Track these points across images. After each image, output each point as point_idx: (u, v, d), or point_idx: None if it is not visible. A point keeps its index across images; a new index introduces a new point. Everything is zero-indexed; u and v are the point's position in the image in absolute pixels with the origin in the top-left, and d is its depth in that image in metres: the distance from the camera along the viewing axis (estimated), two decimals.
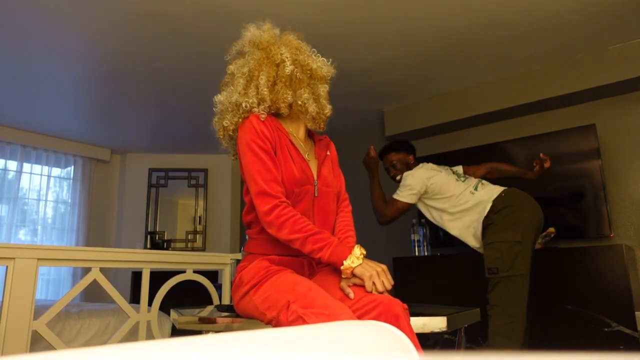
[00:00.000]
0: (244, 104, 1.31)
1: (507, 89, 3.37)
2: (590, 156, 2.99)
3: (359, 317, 1.08)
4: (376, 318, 1.04)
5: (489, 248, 2.21)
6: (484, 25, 2.68)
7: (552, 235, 2.86)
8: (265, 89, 1.30)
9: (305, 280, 1.18)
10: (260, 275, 1.23)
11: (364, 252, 1.19)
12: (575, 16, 2.60)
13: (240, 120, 1.33)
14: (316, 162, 1.40)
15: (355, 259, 1.16)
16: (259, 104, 1.31)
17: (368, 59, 3.08)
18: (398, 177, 2.61)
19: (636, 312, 2.42)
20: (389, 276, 1.16)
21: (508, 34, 2.78)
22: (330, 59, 1.44)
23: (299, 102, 1.33)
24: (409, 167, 2.63)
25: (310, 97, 1.34)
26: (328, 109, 1.40)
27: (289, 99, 1.32)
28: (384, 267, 1.18)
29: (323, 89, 1.37)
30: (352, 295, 1.13)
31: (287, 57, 1.33)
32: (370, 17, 2.57)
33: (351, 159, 3.59)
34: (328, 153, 1.47)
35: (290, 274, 1.21)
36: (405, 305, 1.13)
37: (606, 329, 2.33)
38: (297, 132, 1.42)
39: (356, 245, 1.20)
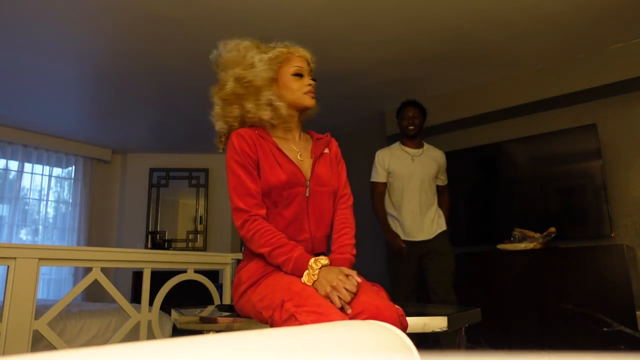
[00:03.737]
0: (217, 128, 1.44)
1: (507, 89, 3.37)
2: (591, 156, 2.99)
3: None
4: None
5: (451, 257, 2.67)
6: (485, 25, 2.68)
7: (553, 235, 2.86)
8: (220, 110, 1.42)
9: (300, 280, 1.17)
10: (258, 275, 1.24)
11: (324, 262, 1.14)
12: (577, 16, 2.60)
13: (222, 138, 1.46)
14: (311, 162, 1.39)
15: (310, 276, 1.12)
16: (226, 124, 1.43)
17: (368, 59, 3.08)
18: (411, 132, 2.77)
19: (637, 312, 2.41)
20: (349, 284, 1.07)
21: (508, 34, 2.78)
22: (333, 59, 1.44)
23: (249, 115, 1.38)
24: (420, 131, 2.83)
25: (258, 106, 1.37)
26: (284, 109, 1.38)
27: (236, 113, 1.39)
28: (341, 279, 1.08)
29: (268, 94, 1.38)
30: (338, 304, 1.07)
31: (229, 77, 1.41)
32: (371, 17, 2.57)
33: (351, 159, 3.58)
34: (326, 151, 1.46)
35: (286, 274, 1.21)
36: (401, 311, 1.11)
37: (607, 329, 2.33)
38: (288, 135, 1.42)
39: (312, 259, 1.15)
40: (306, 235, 1.32)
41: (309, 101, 1.41)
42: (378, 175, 2.77)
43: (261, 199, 1.30)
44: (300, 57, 1.42)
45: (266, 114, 1.37)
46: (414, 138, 2.79)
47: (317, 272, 1.13)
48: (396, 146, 2.84)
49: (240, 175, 1.29)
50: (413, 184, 2.69)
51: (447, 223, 2.72)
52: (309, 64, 1.44)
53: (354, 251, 1.33)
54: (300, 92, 1.40)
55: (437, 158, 2.81)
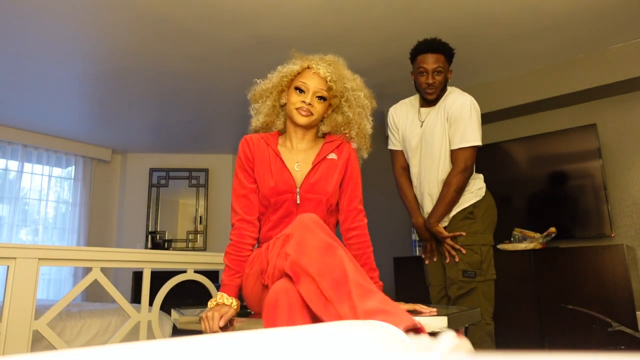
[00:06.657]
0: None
1: (507, 89, 3.37)
2: (591, 156, 2.98)
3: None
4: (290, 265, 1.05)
5: (469, 249, 1.94)
6: (485, 25, 2.68)
7: (553, 235, 2.86)
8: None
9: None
10: (253, 255, 1.37)
11: (219, 301, 1.30)
12: (576, 16, 2.60)
13: None
14: (308, 169, 1.41)
15: (211, 303, 1.32)
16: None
17: (368, 59, 3.08)
18: (430, 97, 1.97)
19: (637, 312, 2.41)
20: (215, 321, 1.21)
21: (509, 34, 2.78)
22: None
23: (264, 117, 1.58)
24: (443, 90, 2.00)
25: (268, 109, 1.54)
26: (284, 118, 1.56)
27: (262, 110, 1.58)
28: (213, 314, 1.23)
29: (273, 101, 1.54)
30: (207, 330, 1.23)
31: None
32: (371, 17, 2.57)
33: None
34: (332, 156, 1.45)
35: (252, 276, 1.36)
36: (317, 217, 1.12)
37: (607, 329, 2.33)
38: (297, 141, 1.47)
39: (219, 294, 1.32)
40: None
41: (297, 117, 1.41)
42: (391, 142, 2.14)
43: (256, 201, 1.43)
44: (314, 74, 1.41)
45: (270, 119, 1.52)
46: (433, 103, 2.01)
47: (214, 303, 1.30)
48: (413, 101, 2.10)
49: (240, 177, 1.44)
50: (414, 153, 2.05)
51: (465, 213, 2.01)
52: (326, 82, 1.41)
53: (380, 282, 1.41)
54: (294, 106, 1.41)
55: (442, 110, 1.96)
